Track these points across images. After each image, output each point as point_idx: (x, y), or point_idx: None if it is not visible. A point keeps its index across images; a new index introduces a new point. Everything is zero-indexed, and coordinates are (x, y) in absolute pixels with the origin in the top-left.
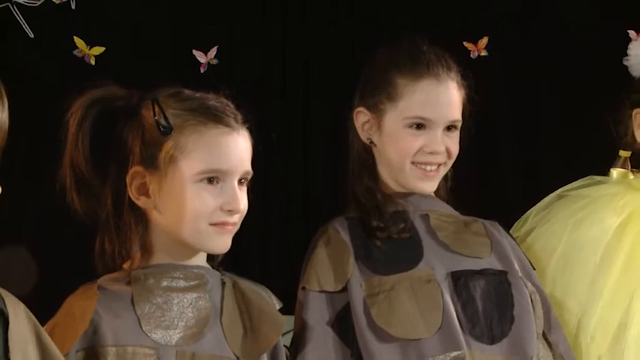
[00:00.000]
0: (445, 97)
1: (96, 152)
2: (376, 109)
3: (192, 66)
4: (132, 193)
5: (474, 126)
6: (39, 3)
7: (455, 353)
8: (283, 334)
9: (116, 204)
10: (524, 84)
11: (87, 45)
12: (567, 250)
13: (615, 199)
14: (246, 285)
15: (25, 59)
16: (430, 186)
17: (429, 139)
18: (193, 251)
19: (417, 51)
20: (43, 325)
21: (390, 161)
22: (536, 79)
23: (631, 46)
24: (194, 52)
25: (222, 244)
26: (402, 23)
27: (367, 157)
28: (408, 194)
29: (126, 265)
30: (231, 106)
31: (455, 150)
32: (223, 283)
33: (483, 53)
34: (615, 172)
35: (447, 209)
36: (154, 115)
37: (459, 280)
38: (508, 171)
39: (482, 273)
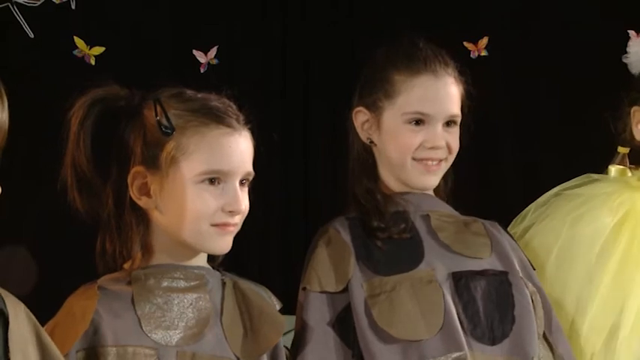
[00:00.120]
0: (443, 92)
1: (97, 152)
2: (375, 108)
3: (192, 66)
4: (133, 193)
5: (474, 126)
6: (39, 3)
7: (456, 354)
8: (283, 335)
9: (117, 204)
10: (524, 84)
11: (87, 45)
12: (564, 247)
13: (612, 198)
14: (247, 285)
15: (25, 59)
16: (432, 180)
17: (429, 135)
18: (194, 252)
19: (414, 48)
20: (43, 325)
21: (390, 159)
22: (536, 79)
23: (630, 43)
24: (194, 52)
25: (223, 244)
26: (402, 23)
27: (367, 157)
28: (408, 194)
29: (126, 265)
30: (233, 106)
31: (455, 145)
32: (224, 284)
33: (483, 53)
34: (613, 170)
35: (448, 209)
36: (156, 115)
37: (460, 281)
38: (508, 171)
39: (483, 274)
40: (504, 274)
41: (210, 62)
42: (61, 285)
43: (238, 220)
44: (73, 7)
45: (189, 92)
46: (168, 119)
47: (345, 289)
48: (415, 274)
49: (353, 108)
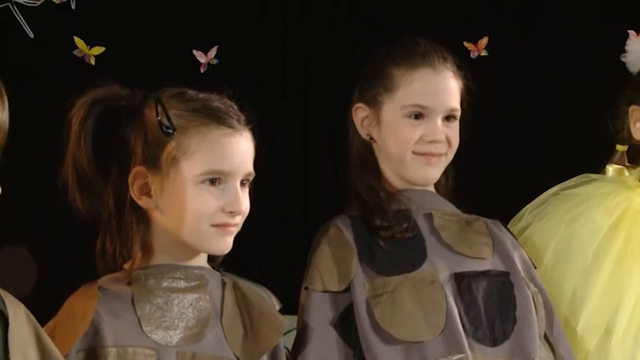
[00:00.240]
0: (443, 86)
1: (98, 151)
2: (374, 103)
3: (192, 66)
4: (134, 192)
5: (474, 125)
6: (39, 3)
7: (457, 356)
8: (284, 335)
9: (118, 203)
10: (524, 84)
11: (87, 45)
12: (561, 247)
13: (609, 198)
14: (247, 286)
15: (25, 59)
16: (433, 173)
17: (429, 129)
18: (194, 252)
19: (412, 43)
20: (43, 326)
21: (390, 154)
22: (536, 79)
23: (629, 42)
24: (194, 52)
25: (224, 245)
26: (402, 23)
27: (367, 153)
28: (410, 191)
29: (127, 266)
30: (235, 107)
31: (455, 140)
32: (224, 284)
33: (483, 53)
34: (611, 169)
35: (450, 207)
36: (157, 115)
37: (462, 282)
38: (508, 171)
39: (485, 274)
40: (506, 274)
41: (210, 62)
42: (61, 285)
43: (239, 220)
44: (73, 7)
45: (191, 92)
46: (169, 119)
47: (348, 289)
48: (417, 274)
49: (352, 104)
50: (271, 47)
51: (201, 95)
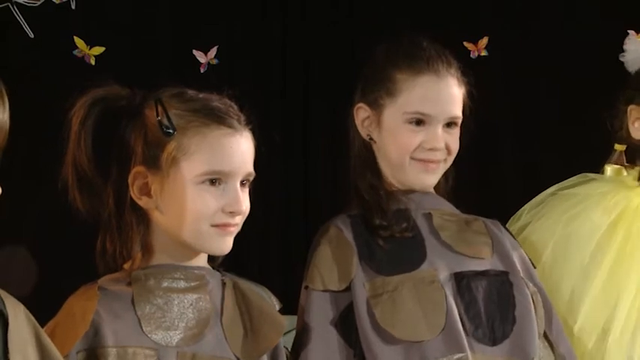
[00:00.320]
0: (445, 93)
1: (98, 151)
2: (376, 105)
3: (192, 66)
4: (134, 193)
5: (474, 126)
6: (39, 3)
7: (457, 355)
8: (283, 335)
9: (118, 203)
10: (524, 84)
11: (87, 45)
12: (559, 246)
13: (607, 198)
14: (247, 286)
15: (25, 59)
16: (430, 180)
17: (429, 135)
18: (194, 252)
19: (417, 47)
20: (43, 326)
21: (389, 158)
22: (536, 79)
23: (627, 41)
24: (194, 52)
25: (224, 245)
26: (402, 23)
27: (367, 154)
28: (410, 192)
29: (127, 266)
30: (235, 107)
31: (455, 147)
32: (224, 284)
33: (483, 53)
34: (609, 169)
35: (449, 208)
36: (157, 115)
37: (462, 282)
38: (508, 171)
39: (484, 274)
40: (505, 274)
41: (210, 62)
42: (61, 285)
43: (239, 220)
44: (73, 7)
45: (191, 92)
46: (169, 119)
47: (348, 288)
48: (417, 274)
49: (354, 104)
50: (271, 47)
51: (201, 95)
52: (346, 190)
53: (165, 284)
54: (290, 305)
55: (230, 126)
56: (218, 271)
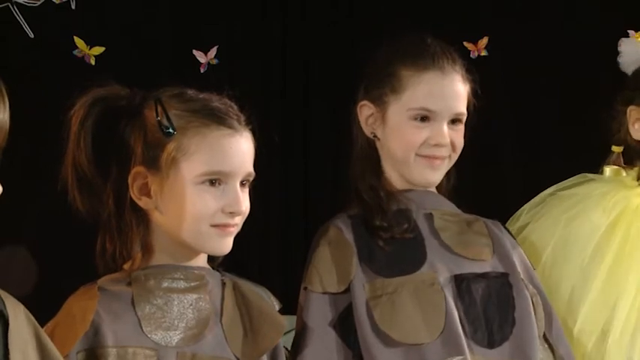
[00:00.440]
0: (450, 90)
1: (98, 151)
2: (380, 102)
3: (192, 66)
4: (133, 193)
5: (474, 125)
6: (39, 3)
7: (457, 358)
8: (283, 335)
9: (118, 204)
10: (524, 84)
11: (87, 45)
12: (558, 247)
13: (606, 198)
14: (246, 286)
15: (25, 59)
16: (435, 176)
17: (434, 132)
18: (194, 252)
19: (422, 44)
20: (43, 326)
21: (394, 155)
22: (536, 79)
23: (621, 43)
24: (194, 52)
25: (223, 245)
26: (402, 23)
27: (371, 152)
28: (411, 192)
29: (126, 266)
30: (235, 107)
31: (460, 144)
32: (223, 284)
33: (483, 53)
34: (608, 170)
35: (451, 207)
36: (157, 115)
37: (462, 284)
38: (508, 171)
39: (484, 276)
40: (505, 275)
41: (210, 62)
42: (61, 285)
43: (238, 221)
44: (73, 7)
45: (191, 92)
46: (169, 120)
47: (347, 290)
48: (417, 276)
49: (358, 102)
50: (271, 47)
51: (201, 95)
52: (347, 190)
53: (165, 284)
54: (290, 305)
55: (230, 126)
56: (218, 271)
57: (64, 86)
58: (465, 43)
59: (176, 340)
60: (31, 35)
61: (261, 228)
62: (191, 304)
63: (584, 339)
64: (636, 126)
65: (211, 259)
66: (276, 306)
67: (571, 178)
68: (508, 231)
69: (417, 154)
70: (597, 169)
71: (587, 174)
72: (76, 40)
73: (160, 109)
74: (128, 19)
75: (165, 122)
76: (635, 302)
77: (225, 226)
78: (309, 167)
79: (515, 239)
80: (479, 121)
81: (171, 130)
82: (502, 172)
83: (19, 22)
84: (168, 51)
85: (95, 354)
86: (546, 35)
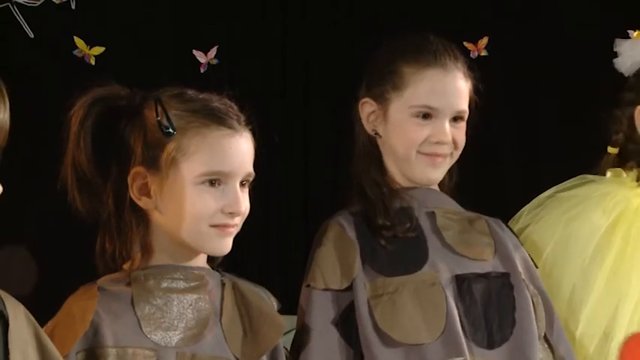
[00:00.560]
0: (452, 87)
1: (98, 151)
2: (382, 99)
3: (192, 66)
4: (133, 193)
5: (474, 125)
6: (39, 3)
7: (457, 359)
8: (283, 335)
9: (117, 204)
10: (524, 84)
11: (87, 45)
12: (558, 248)
13: (606, 199)
14: (246, 286)
15: (25, 59)
16: (437, 174)
17: (436, 129)
18: (194, 252)
19: (424, 41)
20: (42, 326)
21: (395, 152)
22: (536, 79)
23: (617, 43)
24: (194, 52)
25: (223, 246)
26: (402, 23)
27: (372, 149)
28: (413, 189)
29: (126, 266)
30: (235, 107)
31: (461, 141)
32: (223, 284)
33: (483, 53)
34: (609, 172)
35: (453, 205)
36: (157, 116)
37: (463, 284)
38: (508, 171)
39: (485, 276)
40: (506, 275)
41: (210, 62)
42: (61, 285)
43: (238, 221)
44: (73, 7)
45: (191, 92)
46: (169, 120)
47: (349, 287)
48: (419, 276)
49: (359, 99)
50: (271, 47)
51: (201, 96)
52: (348, 186)
53: (164, 284)
54: (290, 305)
55: (230, 126)
56: (217, 271)
57: (64, 86)
58: (465, 43)
59: (176, 341)
60: (31, 35)
61: (261, 228)
62: (191, 305)
63: (586, 342)
64: None
65: (211, 259)
66: (276, 306)
67: (571, 180)
68: (510, 229)
69: (418, 152)
70: (596, 170)
71: (586, 175)
72: (76, 40)
73: (159, 109)
74: (128, 19)
75: (165, 122)
76: (637, 304)
77: (225, 226)
78: (309, 167)
79: (517, 238)
80: (479, 121)
81: (171, 130)
82: (502, 172)
83: (19, 22)
84: (168, 51)
85: (95, 354)
86: (546, 35)
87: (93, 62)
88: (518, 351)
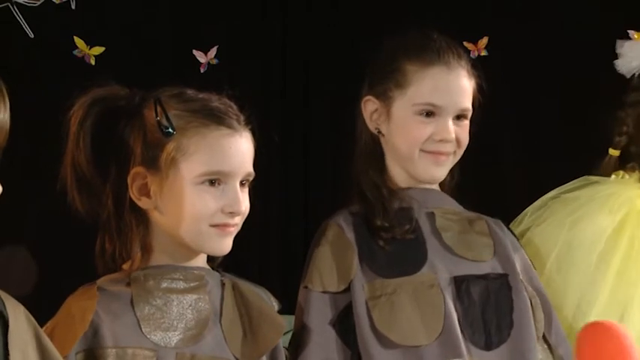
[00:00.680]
0: (455, 85)
1: (97, 152)
2: (385, 97)
3: (192, 66)
4: (133, 193)
5: (474, 125)
6: (39, 3)
7: None
8: (283, 335)
9: (117, 204)
10: (525, 84)
11: (87, 45)
12: (563, 251)
13: (611, 200)
14: (246, 286)
15: (25, 59)
16: (440, 172)
17: (439, 127)
18: (194, 252)
19: (427, 39)
20: (42, 326)
21: (398, 151)
22: (536, 79)
23: (619, 44)
24: (194, 52)
25: (223, 245)
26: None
27: (375, 147)
28: (414, 190)
29: (126, 266)
30: (234, 107)
31: (465, 139)
32: (223, 284)
33: (483, 53)
34: (613, 175)
35: (453, 205)
36: (157, 115)
37: (462, 285)
38: (508, 171)
39: (484, 277)
40: (505, 276)
41: (210, 62)
42: (61, 285)
43: (238, 221)
44: (73, 7)
45: (190, 92)
46: (168, 120)
47: (347, 289)
48: (417, 277)
49: (362, 97)
50: (271, 47)
51: (200, 95)
52: (348, 185)
53: (164, 285)
54: (290, 305)
55: (229, 126)
56: (217, 271)
57: (64, 86)
58: (465, 43)
59: (175, 341)
60: (31, 35)
61: (261, 228)
62: (190, 305)
63: None
64: None
65: (211, 259)
66: (276, 306)
67: (573, 181)
68: (510, 230)
69: (421, 150)
70: (597, 170)
71: (589, 177)
72: (76, 40)
73: (159, 109)
74: (128, 19)
75: (164, 122)
76: None
77: (225, 226)
78: (309, 167)
79: (517, 239)
80: (479, 121)
81: (170, 130)
82: (502, 173)
83: (19, 22)
84: (169, 51)
85: (94, 354)
86: (546, 35)
87: (93, 62)
88: (516, 352)
